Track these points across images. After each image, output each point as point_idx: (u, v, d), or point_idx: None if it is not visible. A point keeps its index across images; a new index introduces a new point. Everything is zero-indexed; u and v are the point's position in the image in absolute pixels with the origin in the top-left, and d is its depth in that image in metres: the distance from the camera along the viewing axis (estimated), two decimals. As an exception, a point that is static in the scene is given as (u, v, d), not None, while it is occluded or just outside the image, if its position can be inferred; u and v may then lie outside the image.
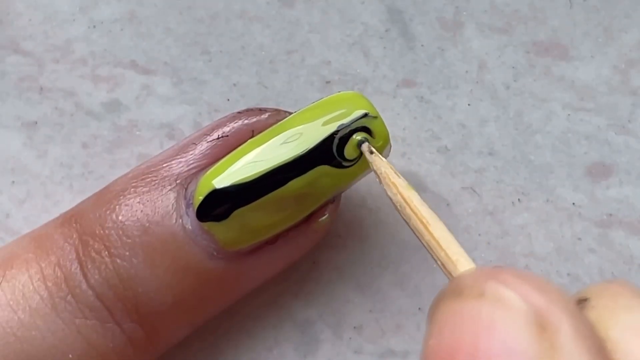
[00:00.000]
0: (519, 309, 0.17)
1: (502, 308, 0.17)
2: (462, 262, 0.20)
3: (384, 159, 0.24)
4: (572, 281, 0.28)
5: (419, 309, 0.28)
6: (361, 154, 0.24)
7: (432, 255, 0.20)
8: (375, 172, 0.23)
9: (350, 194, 0.28)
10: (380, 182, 0.23)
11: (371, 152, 0.24)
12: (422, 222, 0.21)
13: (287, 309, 0.28)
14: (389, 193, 0.23)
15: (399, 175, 0.23)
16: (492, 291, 0.17)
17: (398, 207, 0.22)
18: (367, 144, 0.24)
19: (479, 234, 0.28)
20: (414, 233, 0.21)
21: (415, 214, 0.21)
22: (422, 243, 0.21)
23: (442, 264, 0.20)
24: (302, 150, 0.24)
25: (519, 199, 0.29)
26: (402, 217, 0.22)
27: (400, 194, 0.22)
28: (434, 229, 0.21)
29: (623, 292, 0.19)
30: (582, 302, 0.19)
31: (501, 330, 0.16)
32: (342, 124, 0.24)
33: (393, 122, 0.30)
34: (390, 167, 0.23)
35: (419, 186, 0.29)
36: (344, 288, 0.28)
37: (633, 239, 0.28)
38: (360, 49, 0.30)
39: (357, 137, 0.24)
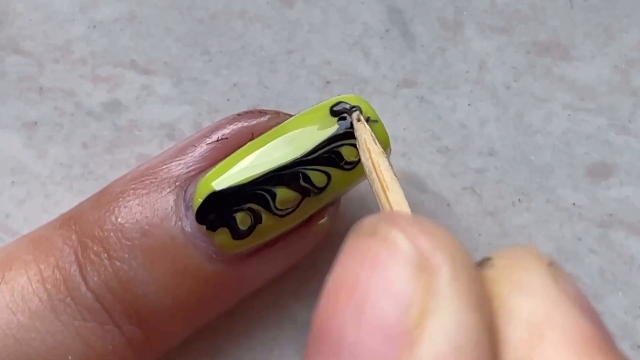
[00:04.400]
0: (403, 249, 0.17)
1: (387, 247, 0.17)
2: None
3: (367, 126, 0.24)
4: (572, 281, 0.28)
5: (419, 309, 0.28)
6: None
7: None
8: (356, 138, 0.24)
9: (350, 193, 0.28)
10: (358, 147, 0.24)
11: (358, 120, 0.24)
12: (382, 186, 0.22)
13: (288, 310, 0.28)
14: (362, 158, 0.23)
15: (377, 143, 0.23)
16: (382, 231, 0.17)
17: (367, 171, 0.23)
18: (357, 112, 0.25)
19: (479, 234, 0.28)
20: (375, 195, 0.22)
21: (379, 177, 0.22)
22: (380, 206, 0.22)
23: None
24: (301, 153, 0.24)
25: (519, 199, 0.29)
26: (368, 180, 0.23)
27: (371, 158, 0.23)
28: (391, 193, 0.21)
29: (524, 254, 0.19)
30: (484, 261, 0.19)
31: (382, 268, 0.16)
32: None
33: (393, 122, 0.30)
34: (370, 134, 0.24)
35: (419, 186, 0.29)
36: (343, 289, 0.28)
37: (633, 239, 0.28)
38: (361, 49, 0.30)
39: (348, 106, 0.25)
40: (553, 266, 0.18)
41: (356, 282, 0.16)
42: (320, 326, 0.17)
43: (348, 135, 0.25)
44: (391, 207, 0.21)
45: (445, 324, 0.16)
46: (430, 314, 0.16)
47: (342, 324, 0.16)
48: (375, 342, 0.16)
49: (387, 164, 0.23)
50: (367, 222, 0.18)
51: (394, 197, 0.21)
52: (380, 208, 0.22)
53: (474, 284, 0.17)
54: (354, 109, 0.25)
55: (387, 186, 0.22)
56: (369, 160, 0.23)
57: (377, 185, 0.22)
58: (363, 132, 0.24)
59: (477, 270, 0.17)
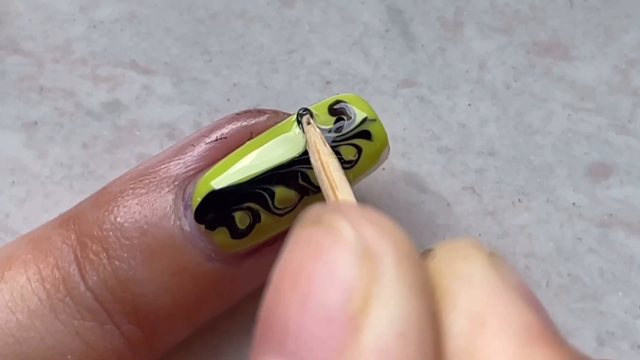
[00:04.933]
0: (347, 237, 0.17)
1: (332, 235, 0.17)
2: None
3: (317, 129, 0.24)
4: (572, 281, 0.28)
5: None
6: (359, 155, 0.24)
7: None
8: (307, 141, 0.24)
9: (350, 194, 0.28)
10: (309, 149, 0.24)
11: (308, 123, 0.25)
12: (331, 186, 0.22)
13: (287, 309, 0.28)
14: (311, 159, 0.24)
15: (327, 144, 0.24)
16: (327, 219, 0.17)
17: (316, 171, 0.23)
18: (307, 116, 0.25)
19: (479, 234, 0.28)
20: (325, 195, 0.22)
21: (328, 177, 0.22)
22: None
23: None
24: (299, 152, 0.24)
25: (519, 199, 0.29)
26: (318, 181, 0.23)
27: (320, 159, 0.23)
28: (340, 192, 0.22)
29: (465, 244, 0.19)
30: (426, 252, 0.19)
31: (326, 255, 0.16)
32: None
33: (393, 122, 0.30)
34: (320, 137, 0.24)
35: (419, 186, 0.29)
36: (343, 288, 0.28)
37: (633, 239, 0.28)
38: (361, 49, 0.30)
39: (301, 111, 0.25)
40: (494, 256, 0.18)
41: (300, 270, 0.17)
42: (266, 314, 0.17)
43: (347, 134, 0.25)
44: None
45: (389, 310, 0.16)
46: (374, 300, 0.16)
47: (286, 312, 0.16)
48: (320, 329, 0.16)
49: (337, 164, 0.23)
50: (313, 211, 0.18)
51: (343, 196, 0.21)
52: None
53: (418, 272, 0.17)
54: (304, 112, 0.25)
55: (336, 186, 0.22)
56: (318, 162, 0.23)
57: (326, 185, 0.22)
58: (312, 134, 0.24)
59: (421, 259, 0.17)
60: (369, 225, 0.17)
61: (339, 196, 0.21)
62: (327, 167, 0.23)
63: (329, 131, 0.25)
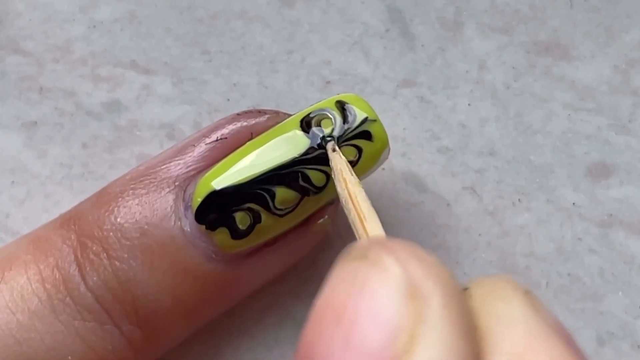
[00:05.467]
0: (394, 275, 0.16)
1: (378, 271, 0.17)
2: None
3: (343, 157, 0.24)
4: (572, 281, 0.28)
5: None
6: (359, 156, 0.24)
7: None
8: (332, 168, 0.24)
9: (350, 194, 0.28)
10: (334, 177, 0.24)
11: (334, 150, 0.24)
12: (359, 217, 0.22)
13: (288, 309, 0.28)
14: (338, 188, 0.23)
15: (352, 173, 0.23)
16: (373, 255, 0.17)
17: (343, 201, 0.23)
18: (332, 142, 0.24)
19: (479, 234, 0.28)
20: (352, 225, 0.22)
21: (355, 208, 0.22)
22: (357, 236, 0.22)
23: None
24: (300, 153, 0.24)
25: (519, 199, 0.29)
26: (345, 210, 0.23)
27: (347, 189, 0.23)
28: (368, 223, 0.21)
29: (501, 284, 0.19)
30: (463, 291, 0.19)
31: (372, 292, 0.16)
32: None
33: (393, 122, 0.30)
34: (346, 165, 0.24)
35: (419, 186, 0.29)
36: (343, 289, 0.28)
37: (633, 239, 0.28)
38: (361, 49, 0.30)
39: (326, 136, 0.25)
40: (529, 295, 0.18)
41: (344, 306, 0.16)
42: (306, 349, 0.17)
43: (346, 134, 0.25)
44: (368, 237, 0.21)
45: (435, 352, 0.16)
46: (419, 340, 0.16)
47: (328, 348, 0.16)
48: None
49: (364, 194, 0.23)
50: (358, 246, 0.18)
51: (371, 227, 0.21)
52: (358, 238, 0.21)
53: (463, 314, 0.17)
54: (328, 139, 0.25)
55: (364, 217, 0.22)
56: (345, 191, 0.23)
57: (353, 215, 0.22)
58: (339, 162, 0.24)
59: (465, 301, 0.17)
60: (416, 263, 0.17)
61: (367, 226, 0.21)
62: (354, 197, 0.22)
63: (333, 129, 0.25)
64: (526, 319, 0.17)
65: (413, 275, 0.16)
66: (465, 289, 0.19)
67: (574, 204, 0.28)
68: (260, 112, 0.26)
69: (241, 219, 0.24)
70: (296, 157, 0.24)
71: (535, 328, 0.17)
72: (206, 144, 0.25)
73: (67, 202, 0.29)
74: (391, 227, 0.29)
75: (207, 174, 0.24)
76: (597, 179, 0.29)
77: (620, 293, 0.28)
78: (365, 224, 0.21)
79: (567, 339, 0.17)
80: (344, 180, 0.23)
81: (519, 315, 0.18)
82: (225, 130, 0.25)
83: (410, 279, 0.16)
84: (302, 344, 0.17)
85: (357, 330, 0.16)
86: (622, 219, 0.28)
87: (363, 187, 0.23)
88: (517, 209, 0.29)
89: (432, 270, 0.17)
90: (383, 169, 0.29)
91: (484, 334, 0.17)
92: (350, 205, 0.22)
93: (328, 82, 0.30)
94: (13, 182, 0.30)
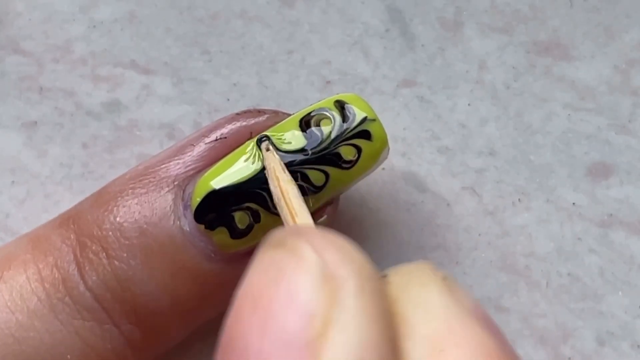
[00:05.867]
0: (309, 261, 0.17)
1: (294, 258, 0.17)
2: None
3: (276, 155, 0.24)
4: (572, 281, 0.28)
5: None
6: (359, 155, 0.24)
7: None
8: (265, 167, 0.24)
9: (351, 194, 0.28)
10: (268, 175, 0.24)
11: (267, 150, 0.24)
12: (290, 213, 0.22)
13: (287, 309, 0.28)
14: (270, 185, 0.24)
15: (285, 171, 0.24)
16: (290, 242, 0.17)
17: (275, 198, 0.23)
18: (266, 142, 0.25)
19: (479, 234, 0.28)
20: (284, 221, 0.22)
21: (287, 204, 0.22)
22: None
23: None
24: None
25: (519, 199, 0.29)
26: (277, 208, 0.23)
27: (279, 186, 0.23)
28: (299, 219, 0.22)
29: (419, 270, 0.19)
30: (380, 278, 0.19)
31: (288, 278, 0.16)
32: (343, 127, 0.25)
33: (393, 122, 0.30)
34: (279, 163, 0.24)
35: (419, 186, 0.29)
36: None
37: (633, 239, 0.28)
38: (361, 49, 0.30)
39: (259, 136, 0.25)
40: (447, 280, 0.18)
41: (261, 292, 0.16)
42: (227, 336, 0.17)
43: (345, 134, 0.25)
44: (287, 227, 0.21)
45: (349, 336, 0.16)
46: (334, 325, 0.16)
47: (247, 334, 0.16)
48: (279, 352, 0.16)
49: (296, 191, 0.23)
50: (276, 234, 0.18)
51: (302, 222, 0.22)
52: None
53: (378, 299, 0.17)
54: (263, 139, 0.25)
55: (295, 213, 0.22)
56: (278, 188, 0.23)
57: (285, 212, 0.22)
58: (272, 161, 0.24)
59: (382, 285, 0.17)
60: (331, 250, 0.17)
61: (297, 222, 0.22)
62: (286, 193, 0.23)
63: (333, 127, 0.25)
64: (442, 303, 0.17)
65: (328, 262, 0.17)
66: (384, 276, 0.19)
67: (574, 204, 0.28)
68: (260, 112, 0.26)
69: (240, 218, 0.24)
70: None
71: (452, 312, 0.17)
72: (205, 144, 0.25)
73: (67, 202, 0.29)
74: (391, 227, 0.29)
75: (206, 174, 0.24)
76: (597, 179, 0.29)
77: (620, 293, 0.28)
78: (296, 219, 0.22)
79: (487, 323, 0.17)
80: (277, 178, 0.23)
81: (436, 300, 0.18)
82: (224, 130, 0.25)
83: (325, 265, 0.16)
84: (224, 334, 0.17)
85: (273, 316, 0.16)
86: (622, 219, 0.28)
87: (296, 185, 0.23)
88: (517, 209, 0.29)
89: (347, 257, 0.17)
90: (383, 168, 0.29)
91: (400, 319, 0.17)
92: (282, 202, 0.23)
93: (328, 82, 0.30)
94: (13, 182, 0.30)
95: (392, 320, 0.17)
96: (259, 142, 0.25)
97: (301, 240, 0.17)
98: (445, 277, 0.18)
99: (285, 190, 0.23)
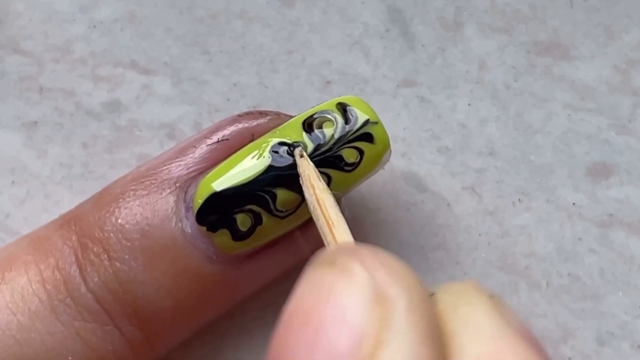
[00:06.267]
0: (360, 280, 0.17)
1: (344, 277, 0.17)
2: None
3: (310, 162, 0.24)
4: (572, 281, 0.28)
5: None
6: (361, 158, 0.24)
7: None
8: (300, 174, 0.24)
9: (351, 194, 0.28)
10: (302, 183, 0.24)
11: (301, 156, 0.24)
12: (327, 223, 0.22)
13: (287, 310, 0.28)
14: (305, 194, 0.23)
15: (320, 179, 0.24)
16: (341, 261, 0.17)
17: (311, 207, 0.23)
18: (299, 148, 0.24)
19: (479, 234, 0.28)
20: (320, 232, 0.22)
21: (324, 214, 0.22)
22: (325, 242, 0.22)
23: None
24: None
25: (519, 199, 0.29)
26: (313, 216, 0.23)
27: (315, 195, 0.23)
28: (336, 229, 0.22)
29: (466, 289, 0.19)
30: (429, 297, 0.19)
31: (339, 297, 0.16)
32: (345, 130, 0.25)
33: (393, 122, 0.30)
34: (314, 171, 0.24)
35: (419, 186, 0.29)
36: (343, 289, 0.28)
37: (633, 239, 0.28)
38: (361, 49, 0.30)
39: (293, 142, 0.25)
40: (494, 298, 0.18)
41: (311, 311, 0.17)
42: (274, 351, 0.17)
43: (347, 136, 0.25)
44: (337, 244, 0.21)
45: (399, 356, 0.16)
46: (384, 345, 0.16)
47: (295, 350, 0.16)
48: None
49: (332, 200, 0.23)
50: (326, 252, 0.18)
51: (339, 233, 0.21)
52: (326, 244, 0.22)
53: (428, 319, 0.17)
54: (296, 144, 0.24)
55: (332, 223, 0.22)
56: (314, 197, 0.23)
57: (322, 222, 0.22)
58: (306, 168, 0.24)
59: (432, 305, 0.17)
60: (382, 268, 0.17)
61: (335, 233, 0.21)
62: (322, 203, 0.23)
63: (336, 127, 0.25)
64: (491, 323, 0.18)
65: (379, 281, 0.17)
66: (432, 294, 0.19)
67: (574, 204, 0.29)
68: (262, 114, 0.25)
69: (242, 220, 0.24)
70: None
71: (501, 332, 0.17)
72: (207, 145, 0.25)
73: (67, 202, 0.29)
74: (391, 227, 0.29)
75: (208, 175, 0.24)
76: (597, 179, 0.29)
77: (620, 293, 0.28)
78: (333, 230, 0.22)
79: (533, 342, 0.18)
80: (312, 186, 0.23)
81: (484, 319, 0.18)
82: (226, 132, 0.25)
83: (376, 285, 0.17)
84: (271, 350, 0.17)
85: (323, 335, 0.16)
86: (622, 219, 0.28)
87: (331, 194, 0.23)
88: (517, 209, 0.29)
89: (398, 276, 0.17)
90: (383, 168, 0.29)
91: (450, 339, 0.17)
92: (319, 212, 0.22)
93: (328, 82, 0.30)
94: (13, 182, 0.30)
95: (442, 340, 0.17)
96: (292, 148, 0.24)
97: (352, 259, 0.17)
98: (493, 295, 0.18)
99: (321, 199, 0.23)
